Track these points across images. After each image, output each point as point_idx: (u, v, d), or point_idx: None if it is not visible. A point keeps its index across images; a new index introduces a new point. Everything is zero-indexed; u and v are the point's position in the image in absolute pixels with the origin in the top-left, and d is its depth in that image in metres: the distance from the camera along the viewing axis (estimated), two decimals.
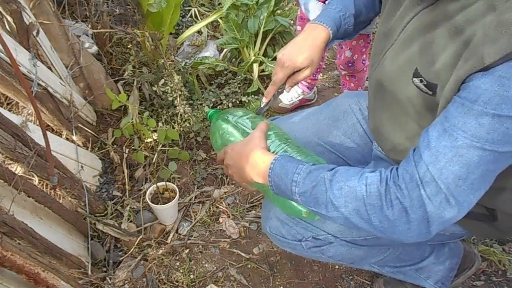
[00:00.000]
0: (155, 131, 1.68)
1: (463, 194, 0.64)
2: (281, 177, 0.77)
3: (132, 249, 1.40)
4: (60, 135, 1.56)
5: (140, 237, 1.42)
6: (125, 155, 1.68)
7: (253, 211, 1.55)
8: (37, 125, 1.34)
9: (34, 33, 1.36)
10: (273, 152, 0.87)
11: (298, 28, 1.70)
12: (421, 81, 0.71)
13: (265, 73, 2.03)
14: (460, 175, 0.63)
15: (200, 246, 1.44)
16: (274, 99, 1.00)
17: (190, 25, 2.32)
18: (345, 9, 0.99)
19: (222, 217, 1.53)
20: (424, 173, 0.65)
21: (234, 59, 2.16)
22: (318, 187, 0.73)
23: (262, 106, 1.01)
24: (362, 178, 0.70)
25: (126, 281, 1.34)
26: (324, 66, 1.94)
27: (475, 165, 0.62)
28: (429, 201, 0.65)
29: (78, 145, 1.57)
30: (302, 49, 0.95)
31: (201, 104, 1.85)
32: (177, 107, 1.71)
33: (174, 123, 1.77)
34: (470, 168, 0.62)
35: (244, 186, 0.92)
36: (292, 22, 2.24)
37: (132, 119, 1.42)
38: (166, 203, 1.40)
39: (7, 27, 1.38)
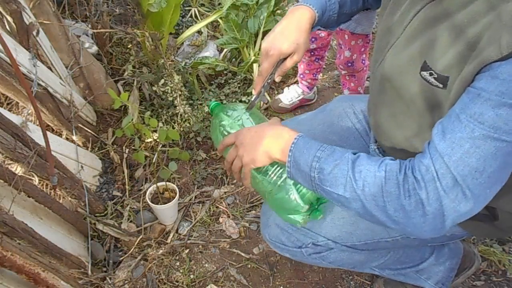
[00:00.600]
0: (155, 131, 1.68)
1: (479, 187, 0.63)
2: (303, 151, 0.76)
3: (132, 249, 1.40)
4: (60, 135, 1.56)
5: (140, 237, 1.42)
6: (125, 155, 1.68)
7: (253, 211, 1.55)
8: (37, 125, 1.34)
9: (34, 33, 1.36)
10: None
11: None
12: (430, 74, 0.70)
13: None
14: (477, 168, 0.61)
15: (200, 246, 1.44)
16: (264, 90, 0.95)
17: (190, 25, 2.32)
18: None
19: (222, 217, 1.53)
20: (440, 165, 0.63)
21: (234, 59, 2.16)
22: (340, 166, 0.72)
23: (252, 99, 0.96)
24: (382, 164, 0.70)
25: (126, 281, 1.34)
26: (324, 66, 1.94)
27: (493, 157, 0.60)
28: (444, 194, 0.63)
29: (78, 145, 1.57)
30: (286, 33, 0.89)
31: (201, 104, 1.85)
32: (177, 107, 1.71)
33: (174, 123, 1.77)
34: (487, 160, 0.61)
35: (245, 177, 0.87)
36: None
37: (132, 119, 1.42)
38: (166, 203, 1.40)
39: (7, 27, 1.38)
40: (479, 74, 0.61)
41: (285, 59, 0.91)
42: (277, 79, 0.94)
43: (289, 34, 0.89)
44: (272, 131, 0.81)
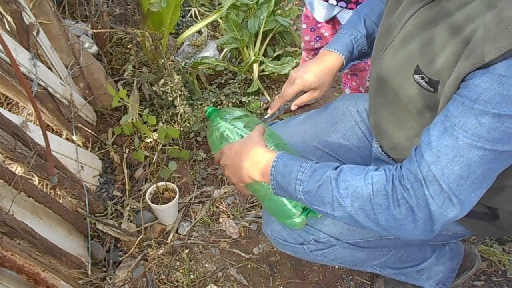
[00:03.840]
0: (155, 130, 1.68)
1: (464, 193, 0.64)
2: (284, 175, 0.77)
3: (132, 249, 1.40)
4: (60, 135, 1.56)
5: (140, 237, 1.41)
6: (125, 155, 1.68)
7: (253, 211, 1.55)
8: (37, 125, 1.34)
9: (34, 33, 1.36)
10: None
11: (304, 26, 1.70)
12: (422, 78, 0.71)
13: (265, 73, 2.03)
14: (461, 175, 0.63)
15: (200, 246, 1.44)
16: (279, 113, 1.01)
17: (190, 25, 2.32)
18: (356, 32, 1.01)
19: (222, 217, 1.53)
20: (427, 172, 0.65)
21: (234, 59, 2.16)
22: (324, 186, 0.72)
23: (266, 117, 1.02)
24: (367, 177, 0.70)
25: (126, 281, 1.33)
26: None
27: (476, 164, 0.62)
28: (432, 200, 0.65)
29: (78, 145, 1.57)
30: (315, 71, 0.98)
31: (201, 104, 1.85)
32: (177, 107, 1.71)
33: (174, 123, 1.77)
34: (471, 167, 0.62)
35: (240, 188, 0.91)
36: (292, 22, 2.24)
37: (131, 118, 1.42)
38: (166, 203, 1.40)
39: (7, 27, 1.38)
40: (464, 82, 0.62)
41: (305, 92, 1.00)
42: (293, 107, 1.02)
43: (318, 72, 0.99)
44: (250, 154, 0.82)
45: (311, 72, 0.98)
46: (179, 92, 1.69)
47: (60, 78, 1.55)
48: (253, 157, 0.81)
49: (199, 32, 2.29)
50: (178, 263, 1.39)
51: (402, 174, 0.68)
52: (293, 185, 0.76)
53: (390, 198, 0.67)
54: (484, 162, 0.62)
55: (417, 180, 0.66)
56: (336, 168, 0.74)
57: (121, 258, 1.39)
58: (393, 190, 0.68)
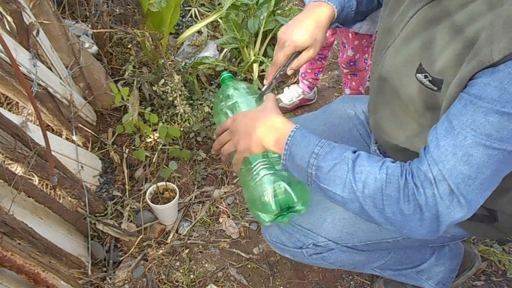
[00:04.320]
0: (155, 130, 1.68)
1: (472, 193, 0.64)
2: (300, 146, 0.74)
3: (132, 249, 1.40)
4: (60, 135, 1.56)
5: (140, 237, 1.41)
6: (125, 155, 1.68)
7: None
8: (37, 125, 1.34)
9: (34, 33, 1.36)
10: None
11: None
12: (425, 76, 0.71)
13: (265, 73, 2.03)
14: (469, 175, 0.62)
15: (200, 246, 1.44)
16: (276, 81, 0.92)
17: (190, 25, 2.32)
18: None
19: (222, 217, 1.53)
20: (436, 172, 0.64)
21: (234, 59, 2.16)
22: (340, 165, 0.70)
23: (263, 89, 0.95)
24: (383, 166, 0.69)
25: (126, 281, 1.33)
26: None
27: (485, 164, 0.61)
28: (441, 200, 0.64)
29: (78, 145, 1.57)
30: (305, 26, 0.87)
31: (201, 104, 1.85)
32: (177, 107, 1.71)
33: (174, 123, 1.77)
34: (480, 168, 0.62)
35: (236, 164, 0.85)
36: None
37: (132, 117, 1.41)
38: (166, 203, 1.40)
39: (7, 27, 1.38)
40: (472, 80, 0.61)
41: (300, 52, 0.90)
42: (289, 72, 0.91)
43: (307, 28, 0.87)
44: (267, 120, 0.78)
45: (301, 30, 0.87)
46: (179, 92, 1.69)
47: (60, 78, 1.55)
48: (271, 124, 0.77)
49: (199, 32, 2.29)
50: (178, 263, 1.39)
51: (413, 171, 0.67)
52: (307, 158, 0.73)
53: (401, 191, 0.66)
54: (493, 162, 0.61)
55: (427, 179, 0.65)
56: (355, 152, 0.73)
57: (121, 258, 1.39)
58: (405, 185, 0.66)
